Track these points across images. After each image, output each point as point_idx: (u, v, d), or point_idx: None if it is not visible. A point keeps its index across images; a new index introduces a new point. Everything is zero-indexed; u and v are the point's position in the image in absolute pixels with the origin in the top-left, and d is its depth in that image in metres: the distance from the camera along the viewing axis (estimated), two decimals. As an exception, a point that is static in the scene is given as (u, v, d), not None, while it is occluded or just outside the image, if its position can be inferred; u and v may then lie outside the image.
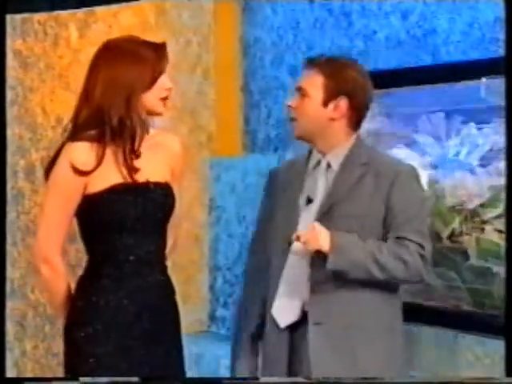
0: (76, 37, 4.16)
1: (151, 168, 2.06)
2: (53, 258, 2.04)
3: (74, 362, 2.04)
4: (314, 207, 2.17)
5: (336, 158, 2.18)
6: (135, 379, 1.99)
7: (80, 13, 4.07)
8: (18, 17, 4.01)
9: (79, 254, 4.15)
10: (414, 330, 2.83)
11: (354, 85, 2.18)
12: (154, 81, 2.02)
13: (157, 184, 2.07)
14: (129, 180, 2.02)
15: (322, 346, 2.10)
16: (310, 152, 2.25)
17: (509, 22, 2.18)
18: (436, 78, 2.94)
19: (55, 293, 2.09)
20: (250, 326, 2.25)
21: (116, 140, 2.02)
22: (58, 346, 4.22)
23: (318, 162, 2.20)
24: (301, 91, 2.19)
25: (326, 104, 2.17)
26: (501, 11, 2.44)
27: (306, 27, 3.38)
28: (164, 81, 2.05)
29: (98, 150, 2.01)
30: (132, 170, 2.02)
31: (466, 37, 2.83)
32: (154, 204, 2.06)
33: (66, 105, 4.23)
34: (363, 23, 3.17)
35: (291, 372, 2.18)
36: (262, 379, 2.23)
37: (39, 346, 4.28)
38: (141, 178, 2.04)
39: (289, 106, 2.22)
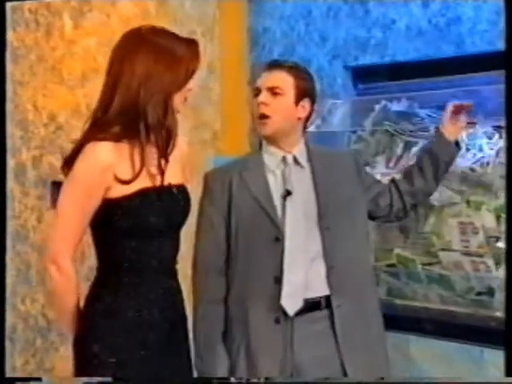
0: (70, 27, 4.17)
1: (170, 170, 2.12)
2: (62, 259, 2.07)
3: (91, 371, 2.07)
4: (298, 198, 2.43)
5: (300, 154, 2.49)
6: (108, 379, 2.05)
7: (74, 1, 4.08)
8: (7, 5, 4.02)
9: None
10: (442, 345, 2.84)
11: (314, 88, 2.56)
12: (186, 82, 2.11)
13: (178, 187, 2.15)
14: (157, 184, 2.08)
15: (346, 327, 2.40)
16: (258, 152, 2.52)
17: (509, 19, 2.25)
18: (459, 70, 2.94)
19: (60, 297, 2.12)
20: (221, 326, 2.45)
21: (149, 141, 2.06)
22: (51, 361, 4.23)
23: (284, 159, 2.46)
24: (275, 90, 2.45)
25: (296, 104, 2.48)
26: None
27: (319, 16, 3.37)
28: (191, 81, 2.14)
29: (131, 150, 2.05)
30: (163, 173, 2.09)
31: (493, 26, 2.82)
32: (177, 208, 2.14)
33: (59, 100, 4.24)
34: (381, 11, 3.16)
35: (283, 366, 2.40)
36: (255, 380, 2.35)
37: (30, 362, 4.28)
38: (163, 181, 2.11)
39: (262, 102, 2.44)
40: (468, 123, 2.68)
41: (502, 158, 2.72)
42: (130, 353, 2.06)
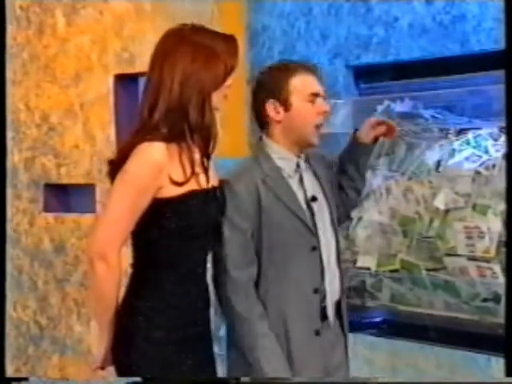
0: (63, 24, 4.16)
1: (211, 170, 2.22)
2: (111, 255, 2.10)
3: (137, 364, 2.16)
4: (322, 203, 2.42)
5: (305, 158, 2.45)
6: (137, 379, 2.14)
7: (67, -2, 4.08)
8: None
9: (67, 267, 4.15)
10: (447, 353, 2.83)
11: None
12: (225, 79, 2.17)
13: (219, 189, 2.25)
14: (203, 185, 2.17)
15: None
16: (266, 155, 2.43)
17: (509, 17, 2.26)
18: (465, 70, 2.94)
19: (106, 293, 2.15)
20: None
21: (193, 141, 2.15)
22: (43, 369, 4.22)
23: (298, 163, 2.42)
24: (325, 98, 2.41)
25: None
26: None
27: (320, 13, 3.36)
28: (229, 78, 2.21)
29: (180, 152, 2.12)
30: (207, 173, 2.18)
31: (498, 24, 2.82)
32: (219, 210, 2.25)
33: (52, 100, 4.23)
34: (383, 9, 3.15)
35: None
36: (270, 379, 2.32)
37: (21, 370, 4.27)
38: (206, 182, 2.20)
39: (327, 111, 2.40)
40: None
41: (509, 159, 2.72)
42: (169, 350, 2.15)
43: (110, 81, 3.96)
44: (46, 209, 4.29)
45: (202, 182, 2.16)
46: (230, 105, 3.60)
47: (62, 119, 4.19)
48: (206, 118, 2.14)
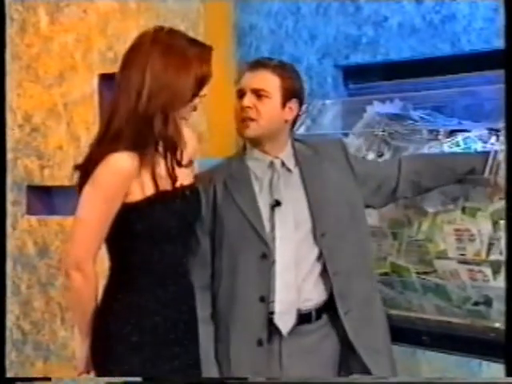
0: (46, 23, 4.15)
1: (182, 171, 2.24)
2: (85, 265, 2.18)
3: (114, 366, 2.21)
4: (288, 207, 2.38)
5: (288, 159, 2.45)
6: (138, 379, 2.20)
7: (50, -5, 4.05)
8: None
9: (51, 270, 4.13)
10: (439, 357, 2.84)
11: (302, 88, 2.51)
12: (196, 95, 2.20)
13: (190, 188, 2.28)
14: (170, 187, 2.21)
15: (359, 332, 2.42)
16: (241, 156, 2.47)
17: (508, 15, 2.27)
18: (455, 70, 2.95)
19: (84, 302, 2.22)
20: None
21: (157, 150, 2.20)
22: (27, 374, 4.19)
23: (271, 164, 2.41)
24: (260, 92, 2.40)
25: (283, 106, 2.43)
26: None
27: (308, 13, 3.36)
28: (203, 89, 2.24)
29: (143, 159, 2.16)
30: (175, 179, 2.22)
31: (489, 23, 2.83)
32: (191, 210, 2.29)
33: (35, 100, 4.22)
34: (373, 8, 3.15)
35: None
36: (265, 379, 2.36)
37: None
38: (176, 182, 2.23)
39: (247, 106, 2.39)
40: None
41: (498, 162, 2.73)
42: (148, 351, 2.20)
43: (95, 80, 3.95)
44: (29, 211, 4.27)
45: (168, 185, 2.20)
46: (217, 105, 3.62)
47: (46, 120, 4.17)
48: (169, 130, 2.16)
